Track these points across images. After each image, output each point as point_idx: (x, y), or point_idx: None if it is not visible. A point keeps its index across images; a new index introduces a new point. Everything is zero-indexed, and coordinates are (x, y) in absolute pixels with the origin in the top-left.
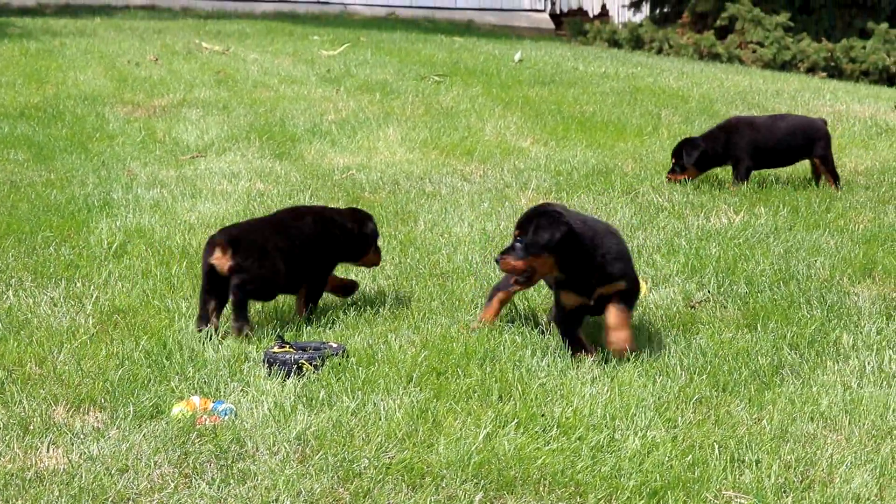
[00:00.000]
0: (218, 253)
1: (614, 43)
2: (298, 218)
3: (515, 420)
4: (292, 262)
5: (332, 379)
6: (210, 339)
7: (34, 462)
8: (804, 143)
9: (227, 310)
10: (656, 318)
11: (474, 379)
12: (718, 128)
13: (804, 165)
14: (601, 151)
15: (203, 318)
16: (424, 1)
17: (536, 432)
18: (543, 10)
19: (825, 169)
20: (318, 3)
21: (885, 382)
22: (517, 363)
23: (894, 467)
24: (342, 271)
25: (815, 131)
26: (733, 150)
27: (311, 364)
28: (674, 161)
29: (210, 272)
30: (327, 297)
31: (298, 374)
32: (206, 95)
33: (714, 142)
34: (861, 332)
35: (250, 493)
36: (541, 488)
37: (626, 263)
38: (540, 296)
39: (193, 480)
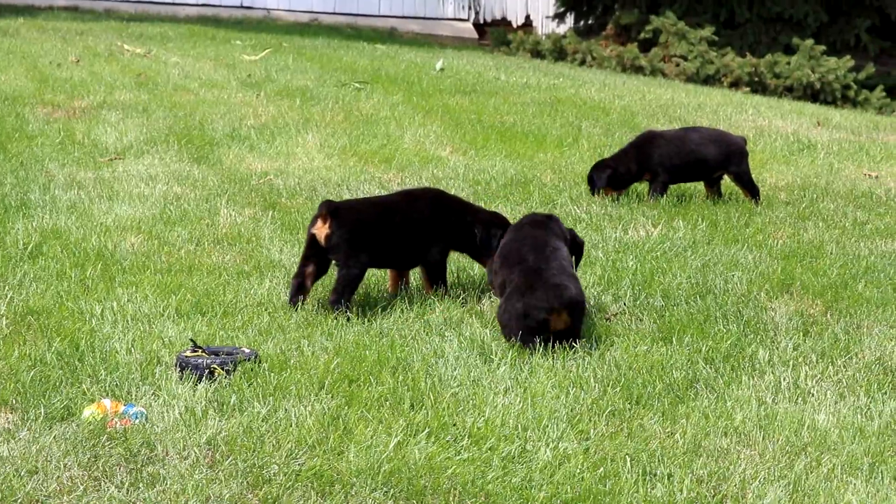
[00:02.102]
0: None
1: (537, 54)
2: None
3: (427, 429)
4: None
5: (244, 384)
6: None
7: None
8: (718, 156)
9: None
10: None
11: (386, 387)
12: (630, 145)
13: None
14: (520, 162)
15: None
16: (347, 7)
17: (448, 442)
18: (467, 20)
19: (740, 185)
20: (242, 7)
21: (800, 398)
22: (430, 372)
23: (808, 484)
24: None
25: (730, 145)
26: (648, 165)
27: (223, 369)
28: (591, 188)
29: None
30: (245, 299)
31: (210, 379)
32: (127, 98)
33: (626, 161)
34: (777, 348)
35: (159, 497)
36: (451, 498)
37: None
38: (456, 307)
39: (103, 483)
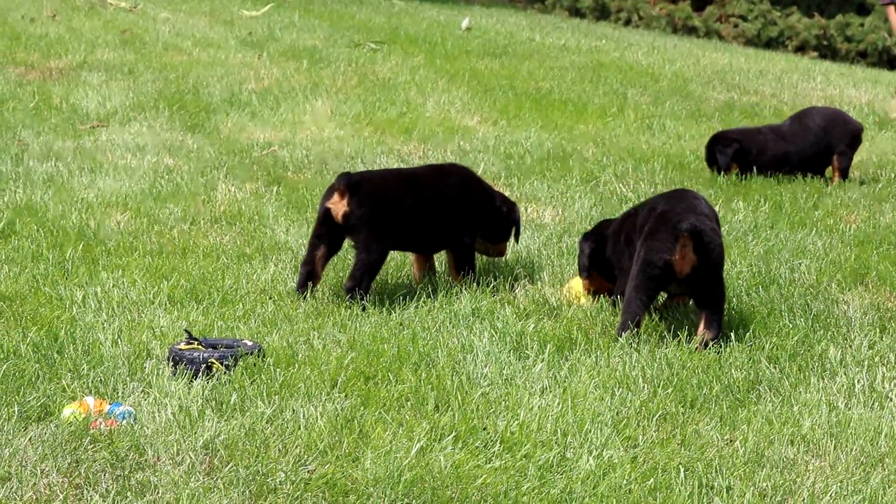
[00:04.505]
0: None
1: (576, 12)
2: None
3: (453, 433)
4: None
5: (246, 381)
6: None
7: None
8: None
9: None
10: (617, 323)
11: (407, 385)
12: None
13: None
14: (558, 133)
15: None
16: None
17: (477, 448)
18: None
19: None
20: None
21: (876, 403)
22: (456, 369)
23: (885, 500)
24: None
25: (847, 123)
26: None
27: (221, 363)
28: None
29: None
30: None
31: (207, 375)
32: (110, 57)
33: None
34: (850, 346)
35: None
36: None
37: None
38: (486, 295)
39: (85, 492)
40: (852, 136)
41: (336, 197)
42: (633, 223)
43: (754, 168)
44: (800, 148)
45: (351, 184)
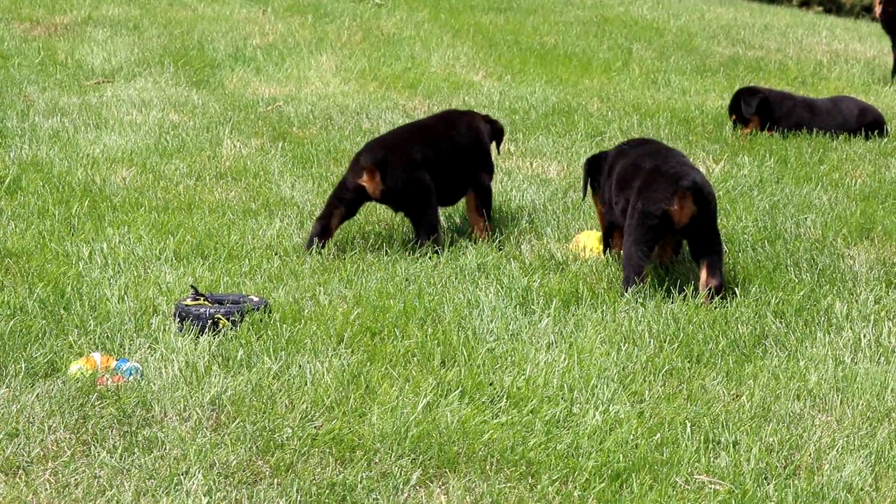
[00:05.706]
0: (366, 177)
1: None
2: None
3: (460, 389)
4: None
5: (252, 337)
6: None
7: None
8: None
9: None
10: (621, 278)
11: (414, 341)
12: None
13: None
14: (563, 88)
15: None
16: None
17: (483, 403)
18: None
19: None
20: None
21: (882, 358)
22: (463, 324)
23: (892, 454)
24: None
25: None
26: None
27: (228, 319)
28: (734, 118)
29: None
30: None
31: (214, 331)
32: (115, 13)
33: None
34: (856, 301)
35: (157, 464)
36: (487, 466)
37: None
38: (492, 251)
39: (92, 448)
40: (875, 120)
41: (366, 176)
42: (613, 163)
43: (776, 127)
44: (827, 125)
45: (378, 161)
